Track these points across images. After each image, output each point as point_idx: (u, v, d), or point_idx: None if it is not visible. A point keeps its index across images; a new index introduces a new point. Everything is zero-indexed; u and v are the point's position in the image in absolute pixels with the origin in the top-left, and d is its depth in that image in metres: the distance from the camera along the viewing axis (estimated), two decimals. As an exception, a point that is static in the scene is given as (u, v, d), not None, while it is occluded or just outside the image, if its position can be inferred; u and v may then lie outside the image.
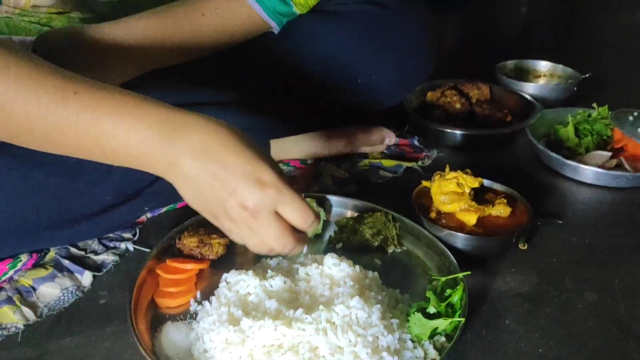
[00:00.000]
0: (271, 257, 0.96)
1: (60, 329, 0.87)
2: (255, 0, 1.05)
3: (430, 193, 1.07)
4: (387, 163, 1.31)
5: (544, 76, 1.76)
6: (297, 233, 0.75)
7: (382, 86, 1.27)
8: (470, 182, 1.05)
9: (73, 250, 1.00)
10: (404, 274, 0.97)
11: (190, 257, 0.96)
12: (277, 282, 0.87)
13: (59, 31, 0.93)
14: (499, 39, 2.39)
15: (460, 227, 1.02)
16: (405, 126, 1.46)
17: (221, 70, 1.16)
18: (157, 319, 0.87)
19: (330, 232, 1.06)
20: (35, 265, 0.96)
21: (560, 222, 1.13)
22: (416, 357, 0.79)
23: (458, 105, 1.48)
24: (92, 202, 0.96)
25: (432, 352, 0.80)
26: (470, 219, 1.02)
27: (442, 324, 0.81)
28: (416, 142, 1.41)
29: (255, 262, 0.98)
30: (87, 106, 0.68)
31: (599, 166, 1.26)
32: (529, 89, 1.59)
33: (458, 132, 1.38)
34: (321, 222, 1.04)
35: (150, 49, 0.97)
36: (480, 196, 1.07)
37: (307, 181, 1.24)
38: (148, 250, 1.00)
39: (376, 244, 1.01)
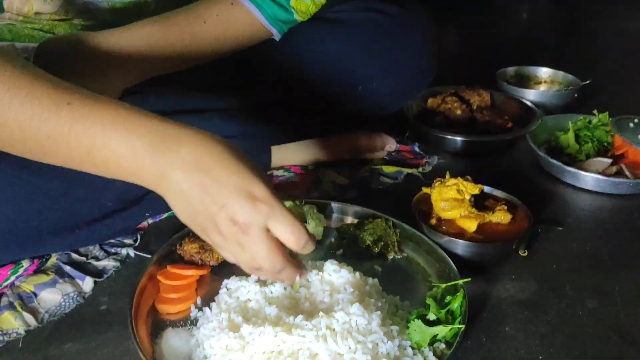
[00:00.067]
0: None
1: (61, 334, 0.87)
2: (257, 7, 1.06)
3: (430, 199, 1.07)
4: (388, 169, 1.32)
5: (544, 82, 1.76)
6: (293, 260, 0.74)
7: (383, 93, 1.27)
8: (471, 188, 1.05)
9: (74, 256, 1.00)
10: (404, 281, 0.97)
11: (191, 263, 0.96)
12: (277, 289, 0.87)
13: (61, 38, 0.94)
14: (499, 45, 2.39)
15: (461, 233, 1.02)
16: (406, 132, 1.46)
17: (222, 77, 1.17)
18: (158, 325, 0.87)
19: (330, 238, 1.06)
20: (37, 271, 0.96)
21: (560, 228, 1.13)
22: (416, 363, 0.79)
23: (459, 112, 1.49)
24: (94, 208, 0.97)
25: (432, 359, 0.80)
26: (471, 226, 1.02)
27: (442, 330, 0.81)
28: (417, 149, 1.42)
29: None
30: (80, 117, 0.68)
31: (599, 173, 1.26)
32: (530, 95, 1.59)
33: (459, 138, 1.39)
34: (322, 228, 1.04)
35: (152, 56, 0.97)
36: (480, 203, 1.08)
37: (307, 187, 1.24)
38: (149, 256, 1.00)
39: (376, 250, 1.01)
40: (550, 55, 2.21)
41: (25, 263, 0.96)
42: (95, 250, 1.02)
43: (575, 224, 1.17)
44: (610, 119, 1.37)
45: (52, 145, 0.69)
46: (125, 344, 0.85)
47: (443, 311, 0.84)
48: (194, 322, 0.87)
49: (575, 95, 1.62)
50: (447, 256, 0.95)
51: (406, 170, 1.31)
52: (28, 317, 0.88)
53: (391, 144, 1.36)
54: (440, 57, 1.39)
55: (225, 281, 0.91)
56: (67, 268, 0.97)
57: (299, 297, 0.86)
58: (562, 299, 0.96)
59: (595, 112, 1.42)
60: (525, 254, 1.05)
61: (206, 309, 0.87)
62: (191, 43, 1.01)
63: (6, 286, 0.93)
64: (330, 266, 0.90)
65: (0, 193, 0.89)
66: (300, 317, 0.79)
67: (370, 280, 0.92)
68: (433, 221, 1.05)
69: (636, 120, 1.35)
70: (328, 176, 1.28)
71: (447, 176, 1.08)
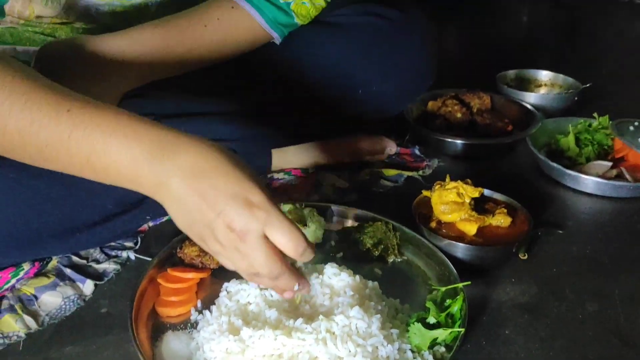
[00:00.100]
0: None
1: (62, 337, 0.87)
2: (257, 11, 1.06)
3: (430, 203, 1.07)
4: (388, 172, 1.32)
5: (544, 86, 1.76)
6: (293, 269, 0.74)
7: (383, 96, 1.27)
8: (471, 192, 1.05)
9: (75, 258, 1.00)
10: (404, 284, 0.98)
11: (191, 266, 0.97)
12: (277, 292, 0.87)
13: (62, 42, 0.94)
14: (500, 48, 2.39)
15: (461, 237, 1.02)
16: (406, 135, 1.46)
17: (222, 80, 1.17)
18: (158, 328, 0.87)
19: (330, 241, 1.06)
20: (37, 274, 0.96)
21: (560, 232, 1.14)
22: (416, 367, 0.79)
23: (459, 115, 1.49)
24: (94, 211, 0.97)
25: (432, 362, 0.80)
26: (471, 229, 1.03)
27: (442, 334, 0.82)
28: (417, 152, 1.42)
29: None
30: (80, 123, 0.68)
31: (599, 176, 1.27)
32: (530, 98, 1.59)
33: (459, 141, 1.39)
34: (322, 231, 1.05)
35: (152, 60, 0.97)
36: (480, 206, 1.08)
37: (307, 190, 1.24)
38: (149, 259, 1.00)
39: (376, 253, 1.01)
40: (550, 58, 2.22)
41: (26, 266, 0.97)
42: (96, 253, 1.02)
43: (576, 227, 1.17)
44: (611, 122, 1.37)
45: (52, 152, 0.70)
46: (125, 346, 0.85)
47: (443, 314, 0.84)
48: (194, 325, 0.87)
49: (576, 98, 1.62)
50: (447, 259, 0.96)
51: (406, 173, 1.32)
52: (29, 320, 0.88)
53: (391, 147, 1.36)
54: (440, 60, 1.40)
55: (226, 284, 0.91)
56: (68, 271, 0.97)
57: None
58: (562, 302, 0.96)
59: (595, 115, 1.42)
60: (525, 257, 1.05)
61: (206, 312, 0.87)
62: (192, 47, 1.01)
63: (7, 289, 0.93)
64: (330, 269, 0.90)
65: (0, 196, 0.89)
66: (300, 320, 0.79)
67: (370, 283, 0.92)
68: (433, 224, 1.05)
69: (636, 124, 1.35)
70: (328, 179, 1.28)
71: (447, 179, 1.08)
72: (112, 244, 1.05)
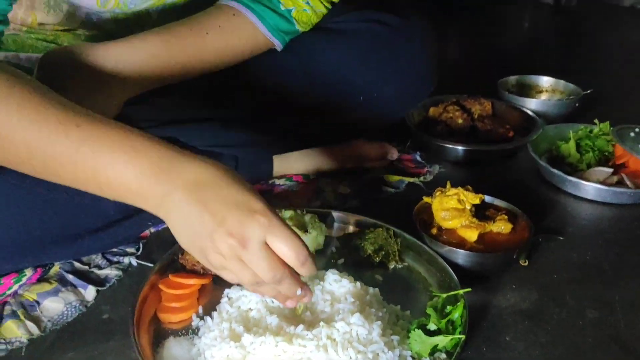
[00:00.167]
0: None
1: (64, 343, 0.87)
2: (259, 18, 1.07)
3: (431, 209, 1.07)
4: (389, 178, 1.32)
5: (545, 92, 1.76)
6: (295, 274, 0.74)
7: (384, 103, 1.28)
8: (471, 198, 1.05)
9: (77, 264, 1.01)
10: (405, 290, 0.98)
11: (193, 272, 0.97)
12: (278, 298, 0.87)
13: (64, 50, 0.95)
14: (501, 54, 2.40)
15: (461, 243, 1.02)
16: (407, 141, 1.47)
17: (224, 87, 1.18)
18: (160, 334, 0.87)
19: (331, 247, 1.07)
20: (40, 280, 0.97)
21: (561, 238, 1.14)
22: (416, 373, 0.79)
23: (460, 121, 1.49)
24: (97, 217, 0.97)
25: (433, 369, 0.81)
26: (471, 236, 1.03)
27: (443, 340, 0.82)
28: (418, 158, 1.42)
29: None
30: (89, 138, 0.69)
31: (600, 182, 1.27)
32: (531, 104, 1.59)
33: (460, 147, 1.39)
34: (323, 237, 1.05)
35: (154, 68, 0.98)
36: (481, 212, 1.08)
37: (309, 196, 1.25)
38: (151, 265, 1.01)
39: (377, 259, 1.02)
40: (551, 64, 2.22)
41: (29, 272, 0.97)
42: (98, 259, 1.03)
43: (576, 233, 1.17)
44: (611, 128, 1.37)
45: (58, 166, 0.71)
46: (127, 352, 0.85)
47: (444, 321, 0.85)
48: (196, 331, 0.87)
49: (577, 104, 1.63)
50: (447, 266, 0.96)
51: (407, 179, 1.32)
52: (31, 325, 0.88)
53: (392, 153, 1.37)
54: (441, 66, 1.40)
55: (227, 290, 0.91)
56: (70, 277, 0.97)
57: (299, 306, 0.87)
58: (563, 309, 0.96)
59: (596, 121, 1.42)
60: (526, 263, 1.05)
61: (207, 318, 0.87)
62: (193, 55, 1.02)
63: (9, 295, 0.94)
64: (331, 276, 0.91)
65: (3, 202, 0.89)
66: (301, 326, 0.80)
67: (371, 289, 0.92)
68: (434, 231, 1.05)
69: (637, 130, 1.35)
70: (329, 185, 1.29)
71: (448, 186, 1.08)
72: (114, 250, 1.05)
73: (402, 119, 1.43)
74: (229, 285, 0.91)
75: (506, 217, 1.06)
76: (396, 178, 1.32)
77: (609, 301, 0.99)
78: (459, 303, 0.87)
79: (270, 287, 0.74)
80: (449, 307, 0.88)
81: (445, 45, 2.48)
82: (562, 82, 1.74)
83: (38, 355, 0.85)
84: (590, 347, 0.89)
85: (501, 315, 0.95)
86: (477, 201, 1.06)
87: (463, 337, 0.81)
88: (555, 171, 1.29)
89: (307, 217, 1.05)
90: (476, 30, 2.80)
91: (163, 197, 0.70)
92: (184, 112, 1.11)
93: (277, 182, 1.28)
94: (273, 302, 0.86)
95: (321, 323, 0.80)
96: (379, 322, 0.82)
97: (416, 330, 0.83)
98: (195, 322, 0.89)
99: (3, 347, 0.85)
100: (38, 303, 0.92)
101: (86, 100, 0.90)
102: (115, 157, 0.69)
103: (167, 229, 1.10)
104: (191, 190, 0.69)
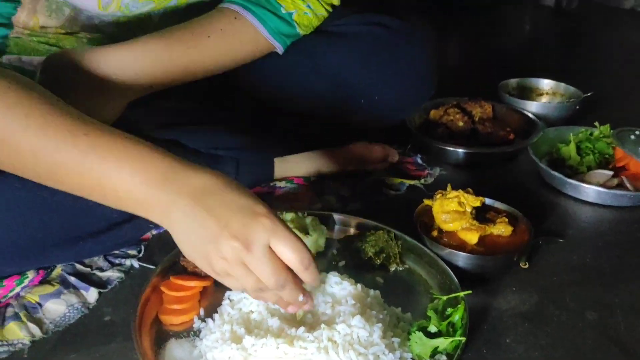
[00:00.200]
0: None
1: (66, 345, 0.87)
2: (260, 22, 1.07)
3: (432, 211, 1.08)
4: (390, 181, 1.32)
5: (546, 94, 1.77)
6: (297, 280, 0.74)
7: (385, 105, 1.28)
8: (472, 201, 1.06)
9: (79, 266, 1.01)
10: (406, 293, 0.98)
11: (194, 275, 0.97)
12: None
13: (66, 53, 0.95)
14: (501, 57, 2.40)
15: (462, 245, 1.03)
16: (408, 144, 1.47)
17: (225, 90, 1.18)
18: (161, 336, 0.87)
19: (332, 250, 1.07)
20: (42, 282, 0.97)
21: (561, 240, 1.14)
22: (417, 375, 0.80)
23: (461, 124, 1.49)
24: (98, 219, 0.97)
25: (433, 371, 0.81)
26: (472, 238, 1.03)
27: (443, 343, 0.82)
28: (419, 160, 1.42)
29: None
30: (96, 147, 0.71)
31: (600, 185, 1.27)
32: (532, 107, 1.60)
33: (460, 150, 1.40)
34: (324, 240, 1.05)
35: (156, 71, 0.98)
36: (481, 215, 1.08)
37: (310, 199, 1.25)
38: (153, 267, 1.01)
39: (378, 262, 1.02)
40: (552, 67, 2.22)
41: (31, 274, 0.97)
42: (100, 260, 1.03)
43: (576, 236, 1.17)
44: (612, 131, 1.37)
45: (63, 173, 0.72)
46: (129, 354, 0.85)
47: (444, 323, 0.85)
48: (197, 333, 0.88)
49: (577, 107, 1.63)
50: (448, 268, 0.96)
51: (408, 182, 1.32)
52: (33, 327, 0.89)
53: (393, 156, 1.37)
54: (442, 69, 1.40)
55: (228, 293, 0.91)
56: (72, 279, 0.98)
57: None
58: (563, 311, 0.97)
59: (596, 124, 1.42)
60: (526, 266, 1.05)
61: (209, 320, 0.87)
62: (195, 58, 1.02)
63: (12, 297, 0.94)
64: (332, 278, 0.91)
65: (5, 205, 0.89)
66: (302, 329, 0.80)
67: (371, 292, 0.93)
68: (434, 233, 1.06)
69: (637, 133, 1.35)
70: (331, 188, 1.29)
71: (449, 188, 1.08)
72: (116, 252, 1.05)
73: (403, 121, 1.43)
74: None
75: (506, 219, 1.06)
76: (397, 180, 1.32)
77: (609, 303, 0.99)
78: (459, 305, 0.87)
79: (273, 293, 0.74)
80: (449, 310, 0.88)
81: (445, 47, 2.49)
82: (562, 84, 1.75)
83: (40, 357, 0.85)
84: (590, 349, 0.90)
85: (501, 317, 0.95)
86: (478, 204, 1.06)
87: (463, 339, 0.82)
88: (556, 174, 1.29)
89: (308, 220, 1.05)
90: (477, 32, 2.81)
91: (168, 204, 0.71)
92: (184, 115, 1.11)
93: (278, 184, 1.28)
94: (274, 305, 0.87)
95: (322, 325, 0.80)
96: (380, 325, 0.82)
97: (417, 332, 0.83)
98: (197, 324, 0.89)
99: (5, 348, 0.85)
100: (40, 305, 0.93)
101: (88, 103, 0.91)
102: (122, 166, 0.70)
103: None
104: (196, 197, 0.70)
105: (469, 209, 1.05)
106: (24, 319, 0.90)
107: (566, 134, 1.42)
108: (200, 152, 1.13)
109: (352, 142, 1.35)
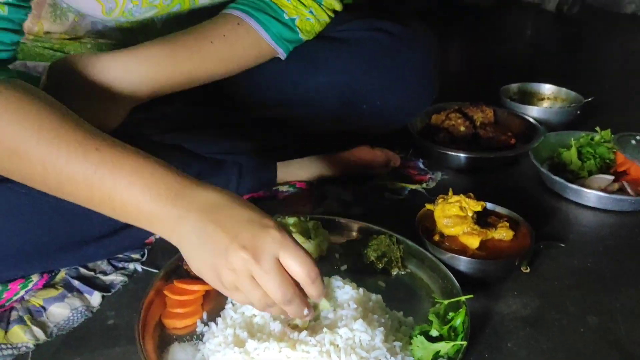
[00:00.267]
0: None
1: (69, 349, 0.88)
2: (262, 27, 1.08)
3: (433, 216, 1.08)
4: (392, 185, 1.33)
5: (547, 99, 1.77)
6: (302, 295, 0.74)
7: (387, 111, 1.28)
8: (473, 205, 1.06)
9: (83, 270, 1.01)
10: (408, 297, 0.98)
11: (197, 278, 0.96)
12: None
13: (71, 59, 0.96)
14: (503, 62, 2.41)
15: (463, 250, 1.03)
16: (410, 149, 1.48)
17: (226, 95, 1.19)
18: (164, 340, 0.88)
19: (334, 254, 1.07)
20: (46, 286, 0.97)
21: (562, 245, 1.14)
22: (418, 379, 0.80)
23: (462, 128, 1.50)
24: (102, 224, 0.98)
25: (435, 375, 0.81)
26: (473, 242, 1.03)
27: (445, 347, 0.82)
28: (421, 165, 1.43)
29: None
30: (107, 162, 0.72)
31: (601, 190, 1.27)
32: (533, 112, 1.60)
33: (462, 154, 1.40)
34: (326, 244, 1.06)
35: (159, 77, 0.99)
36: (483, 219, 1.09)
37: (312, 203, 1.25)
38: (156, 271, 1.02)
39: (380, 266, 1.02)
40: (553, 72, 2.23)
41: (35, 277, 0.98)
42: (103, 264, 1.03)
43: (577, 240, 1.17)
44: (613, 136, 1.38)
45: (73, 186, 0.73)
46: (132, 358, 0.86)
47: (446, 327, 0.85)
48: (200, 337, 0.88)
49: (578, 112, 1.63)
50: (449, 272, 0.96)
51: (410, 186, 1.33)
52: (37, 331, 0.89)
53: (395, 160, 1.37)
54: (443, 74, 1.41)
55: (231, 297, 0.92)
56: (76, 282, 0.98)
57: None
58: (564, 316, 0.97)
59: (597, 129, 1.43)
60: (528, 270, 1.06)
61: (212, 324, 0.88)
62: (198, 63, 1.03)
63: (16, 300, 0.94)
64: (335, 282, 0.91)
65: (10, 209, 0.90)
66: (304, 332, 0.80)
67: (373, 296, 0.93)
68: (436, 237, 1.06)
69: (638, 138, 1.36)
70: (332, 192, 1.29)
71: (450, 193, 1.09)
72: (120, 255, 1.06)
73: (405, 126, 1.44)
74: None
75: (508, 224, 1.06)
76: (399, 185, 1.33)
77: (609, 308, 0.99)
78: (461, 310, 0.87)
79: (279, 308, 0.75)
80: (451, 314, 0.88)
81: (447, 52, 2.49)
82: (563, 89, 1.75)
83: (44, 360, 0.86)
84: (590, 353, 0.90)
85: (503, 321, 0.95)
86: (479, 208, 1.07)
87: (465, 343, 0.82)
88: (557, 178, 1.29)
89: (311, 224, 1.05)
90: (478, 37, 2.81)
91: (178, 220, 0.71)
92: (187, 120, 1.12)
93: (280, 188, 1.29)
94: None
95: (324, 329, 0.81)
96: (382, 329, 0.82)
97: (418, 336, 0.83)
98: (200, 327, 0.90)
99: (10, 352, 0.86)
100: (44, 308, 0.93)
101: (92, 109, 0.92)
102: (132, 180, 0.71)
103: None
104: (205, 211, 0.71)
105: (470, 214, 1.06)
106: (28, 322, 0.90)
107: (567, 139, 1.42)
108: (203, 156, 1.14)
109: (354, 146, 1.35)
